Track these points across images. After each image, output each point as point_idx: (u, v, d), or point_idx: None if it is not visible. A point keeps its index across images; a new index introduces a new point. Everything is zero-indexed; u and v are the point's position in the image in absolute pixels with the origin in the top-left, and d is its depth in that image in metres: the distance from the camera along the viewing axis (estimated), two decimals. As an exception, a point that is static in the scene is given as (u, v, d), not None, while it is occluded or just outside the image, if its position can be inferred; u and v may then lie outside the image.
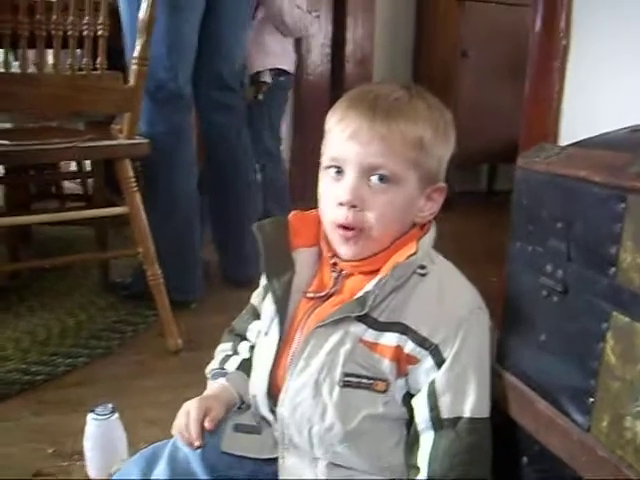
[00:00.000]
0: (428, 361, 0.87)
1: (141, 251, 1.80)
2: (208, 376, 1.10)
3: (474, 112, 3.48)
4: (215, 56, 2.17)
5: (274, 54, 2.69)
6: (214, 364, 1.10)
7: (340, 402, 0.88)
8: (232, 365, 1.07)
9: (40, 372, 1.70)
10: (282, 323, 0.95)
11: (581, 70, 1.50)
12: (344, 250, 0.93)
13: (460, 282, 0.94)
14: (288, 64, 2.76)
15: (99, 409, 1.26)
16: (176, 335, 1.86)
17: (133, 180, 1.77)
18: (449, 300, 0.89)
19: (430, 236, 0.94)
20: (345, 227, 0.91)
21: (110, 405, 1.28)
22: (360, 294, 0.89)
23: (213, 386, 1.06)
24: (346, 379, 0.88)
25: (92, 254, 2.47)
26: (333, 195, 0.91)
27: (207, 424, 0.95)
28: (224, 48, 2.19)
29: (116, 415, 1.27)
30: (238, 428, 0.98)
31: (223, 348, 1.12)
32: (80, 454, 1.32)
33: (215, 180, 2.38)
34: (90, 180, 2.70)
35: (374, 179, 0.88)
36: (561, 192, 0.86)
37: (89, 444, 1.27)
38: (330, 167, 0.92)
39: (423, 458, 0.87)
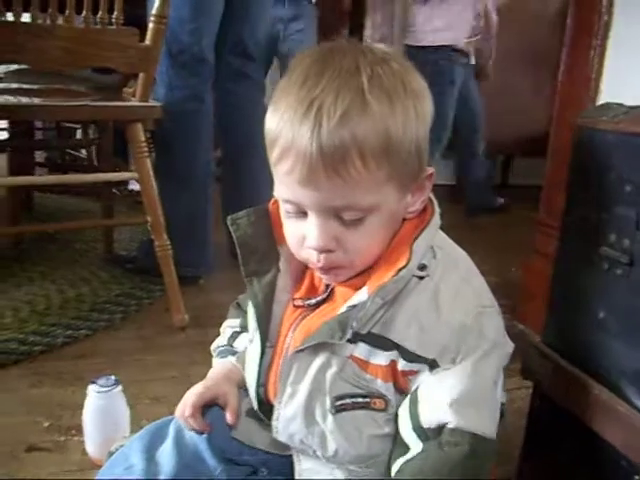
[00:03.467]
0: (426, 372, 0.74)
1: (150, 220, 1.71)
2: (214, 353, 1.00)
3: (491, 101, 3.39)
4: (239, 22, 2.08)
5: None
6: (221, 340, 1.01)
7: (338, 429, 0.76)
8: (241, 343, 0.98)
9: (38, 342, 1.62)
10: (264, 333, 0.83)
11: (624, 49, 1.42)
12: (326, 279, 0.81)
13: (461, 278, 0.77)
14: None
15: (101, 380, 1.18)
16: (182, 310, 1.78)
17: (144, 145, 1.68)
18: (446, 305, 0.73)
19: (431, 229, 0.77)
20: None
21: (113, 377, 1.20)
22: (343, 310, 0.75)
23: (220, 364, 0.96)
24: (338, 403, 0.76)
25: (98, 220, 2.39)
26: (297, 235, 0.75)
27: (229, 419, 0.86)
28: (250, 15, 2.10)
29: (119, 388, 1.19)
30: (250, 413, 0.89)
31: (231, 324, 1.02)
32: (77, 429, 1.25)
33: (228, 153, 2.29)
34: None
35: (344, 215, 0.71)
36: (632, 152, 0.77)
37: (88, 417, 1.19)
38: (287, 204, 0.75)
39: (399, 462, 0.75)
